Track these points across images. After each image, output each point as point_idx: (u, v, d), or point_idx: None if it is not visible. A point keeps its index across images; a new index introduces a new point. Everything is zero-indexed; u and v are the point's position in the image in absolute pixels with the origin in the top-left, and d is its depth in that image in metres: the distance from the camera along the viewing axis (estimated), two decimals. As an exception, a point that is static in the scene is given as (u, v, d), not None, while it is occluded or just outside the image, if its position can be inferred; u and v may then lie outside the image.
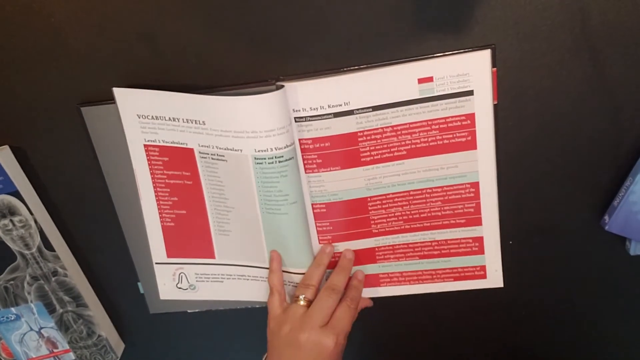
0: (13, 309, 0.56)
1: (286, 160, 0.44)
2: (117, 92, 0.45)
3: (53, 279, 0.54)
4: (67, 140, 0.50)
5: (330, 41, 0.43)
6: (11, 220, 0.51)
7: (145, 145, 0.47)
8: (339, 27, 0.43)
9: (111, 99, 0.45)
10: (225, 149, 0.45)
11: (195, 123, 0.45)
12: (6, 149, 0.49)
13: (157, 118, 0.45)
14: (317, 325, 0.44)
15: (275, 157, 0.44)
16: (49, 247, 0.52)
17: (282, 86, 0.43)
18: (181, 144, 0.46)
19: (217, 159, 0.46)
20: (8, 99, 0.48)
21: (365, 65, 0.43)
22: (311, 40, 0.43)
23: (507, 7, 0.41)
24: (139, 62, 0.45)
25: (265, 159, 0.44)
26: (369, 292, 0.53)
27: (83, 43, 0.45)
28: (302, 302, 0.46)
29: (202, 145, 0.46)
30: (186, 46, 0.44)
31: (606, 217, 0.48)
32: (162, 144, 0.47)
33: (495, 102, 0.44)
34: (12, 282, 0.54)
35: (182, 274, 0.53)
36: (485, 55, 0.42)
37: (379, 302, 0.53)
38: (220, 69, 0.45)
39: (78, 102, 0.47)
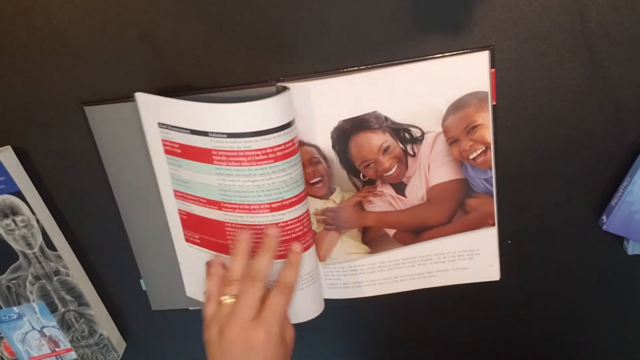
0: (15, 308, 0.56)
1: None
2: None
3: (55, 278, 0.55)
4: (68, 140, 0.50)
5: (330, 41, 0.43)
6: (13, 220, 0.51)
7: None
8: (339, 28, 0.43)
9: (113, 99, 0.46)
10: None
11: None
12: (8, 149, 0.50)
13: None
14: (245, 320, 0.40)
15: None
16: (51, 246, 0.53)
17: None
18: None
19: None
20: (10, 99, 0.48)
21: (365, 66, 0.43)
22: (311, 40, 0.44)
23: (507, 8, 0.41)
24: (140, 62, 0.45)
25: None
26: (358, 292, 0.53)
27: (84, 44, 0.45)
28: (227, 301, 0.42)
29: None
30: (186, 46, 0.44)
31: (604, 217, 0.48)
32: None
33: (495, 103, 0.44)
34: (14, 281, 0.55)
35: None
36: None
37: (374, 299, 0.53)
38: (220, 69, 0.45)
39: (79, 103, 0.47)
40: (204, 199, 0.47)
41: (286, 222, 0.45)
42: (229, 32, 0.44)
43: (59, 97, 0.48)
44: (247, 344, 0.40)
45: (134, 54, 0.45)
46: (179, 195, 0.48)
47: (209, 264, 0.47)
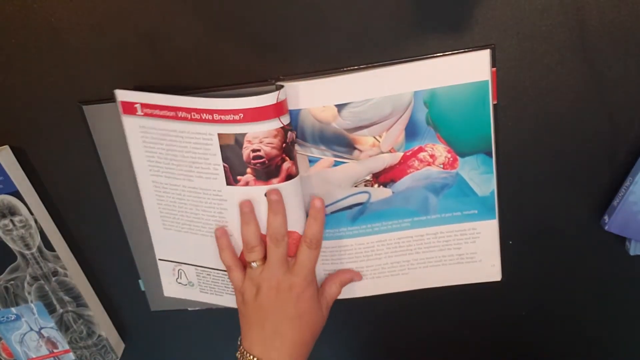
0: (13, 309, 0.56)
1: None
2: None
3: (53, 279, 0.54)
4: (67, 140, 0.50)
5: (330, 41, 0.43)
6: (11, 220, 0.51)
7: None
8: (339, 27, 0.43)
9: (112, 99, 0.45)
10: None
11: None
12: (6, 149, 0.49)
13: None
14: (278, 273, 0.44)
15: None
16: (49, 247, 0.52)
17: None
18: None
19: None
20: (8, 98, 0.48)
21: (365, 65, 0.43)
22: (311, 40, 0.43)
23: (507, 7, 0.41)
24: (139, 62, 0.45)
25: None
26: (358, 291, 0.53)
27: (83, 43, 0.45)
28: (256, 265, 0.46)
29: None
30: (186, 46, 0.44)
31: (606, 217, 0.48)
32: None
33: (495, 102, 0.44)
34: (12, 282, 0.54)
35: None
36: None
37: (378, 300, 0.53)
38: (220, 69, 0.45)
39: (78, 102, 0.47)
40: None
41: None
42: (229, 32, 0.44)
43: (58, 97, 0.47)
44: (284, 289, 0.44)
45: (133, 53, 0.45)
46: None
47: (216, 237, 0.48)
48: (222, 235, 0.47)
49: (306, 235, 0.46)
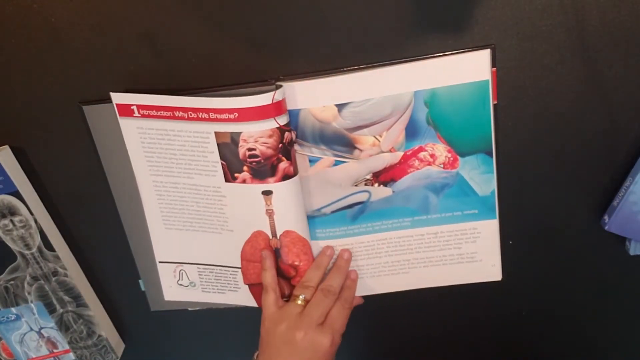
0: (13, 309, 0.56)
1: None
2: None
3: (53, 279, 0.54)
4: (67, 140, 0.50)
5: (330, 41, 0.43)
6: (11, 221, 0.51)
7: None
8: (339, 28, 0.43)
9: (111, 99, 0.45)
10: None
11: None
12: (6, 149, 0.49)
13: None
14: (314, 324, 0.46)
15: None
16: (49, 247, 0.52)
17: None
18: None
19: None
20: (8, 98, 0.48)
21: (365, 65, 0.43)
22: (311, 40, 0.43)
23: (507, 7, 0.41)
24: (139, 62, 0.45)
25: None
26: (358, 290, 0.52)
27: (83, 43, 0.45)
28: (300, 302, 0.47)
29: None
30: (186, 46, 0.44)
31: (606, 217, 0.48)
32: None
33: (495, 102, 0.44)
34: (12, 282, 0.54)
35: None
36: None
37: (378, 299, 0.53)
38: (220, 69, 0.45)
39: (78, 102, 0.47)
40: None
41: None
42: (229, 32, 0.44)
43: (58, 97, 0.47)
44: (313, 346, 0.45)
45: (133, 53, 0.45)
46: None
47: (263, 257, 0.49)
48: (268, 256, 0.49)
49: (342, 296, 0.48)
